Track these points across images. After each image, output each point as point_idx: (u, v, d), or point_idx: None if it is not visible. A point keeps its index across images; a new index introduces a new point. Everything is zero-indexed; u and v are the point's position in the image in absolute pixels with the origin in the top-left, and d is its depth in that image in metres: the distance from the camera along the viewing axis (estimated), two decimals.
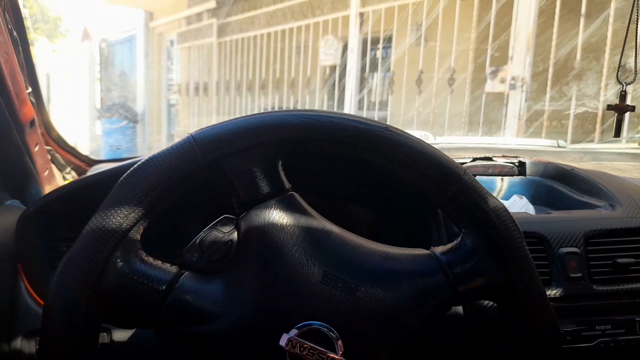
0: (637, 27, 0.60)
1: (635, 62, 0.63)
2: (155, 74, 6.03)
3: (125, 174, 0.43)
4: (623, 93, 0.67)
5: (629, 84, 0.65)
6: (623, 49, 0.64)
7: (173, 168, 0.43)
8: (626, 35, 0.60)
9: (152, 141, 5.61)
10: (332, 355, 0.41)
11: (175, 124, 5.85)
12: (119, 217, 0.42)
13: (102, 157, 0.93)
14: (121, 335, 0.62)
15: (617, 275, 0.71)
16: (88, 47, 5.91)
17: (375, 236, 0.49)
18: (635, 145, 1.26)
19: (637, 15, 0.58)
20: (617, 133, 0.69)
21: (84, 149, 0.92)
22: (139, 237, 0.43)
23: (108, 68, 6.17)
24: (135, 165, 0.44)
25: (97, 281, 0.41)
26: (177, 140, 0.46)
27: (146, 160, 0.44)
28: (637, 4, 0.59)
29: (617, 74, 0.65)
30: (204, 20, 5.29)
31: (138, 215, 0.42)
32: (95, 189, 0.62)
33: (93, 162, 0.90)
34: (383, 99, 3.81)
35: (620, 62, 0.65)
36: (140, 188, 0.42)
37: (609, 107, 0.69)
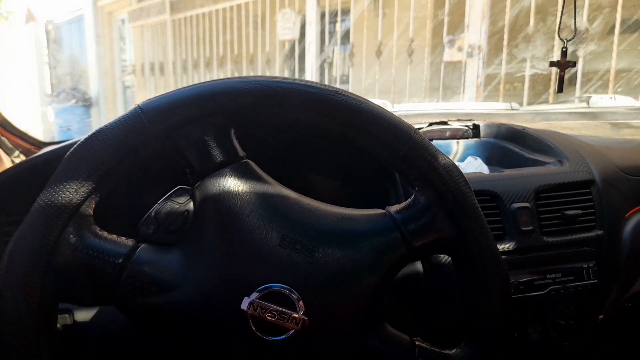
0: None
1: (575, 20, 0.65)
2: (107, 55, 5.79)
3: (72, 148, 0.42)
4: (564, 49, 0.70)
5: (569, 40, 0.68)
6: (562, 9, 0.66)
7: (121, 140, 0.42)
8: None
9: None
10: (294, 315, 0.42)
11: (131, 106, 5.67)
12: (68, 192, 0.41)
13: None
14: (84, 315, 0.61)
15: (565, 226, 0.75)
16: (33, 29, 5.61)
17: (337, 204, 0.50)
18: (584, 104, 1.31)
19: None
20: (560, 88, 0.71)
21: (37, 135, 0.88)
22: (91, 212, 0.43)
23: (56, 51, 5.89)
24: (82, 139, 0.42)
25: (49, 258, 0.40)
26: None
27: (93, 134, 0.43)
28: None
29: (558, 31, 0.67)
30: None
31: (88, 190, 0.42)
32: (42, 169, 0.60)
33: (43, 145, 0.87)
34: (344, 72, 3.80)
35: (560, 21, 0.67)
36: (88, 162, 0.42)
37: (552, 64, 0.72)
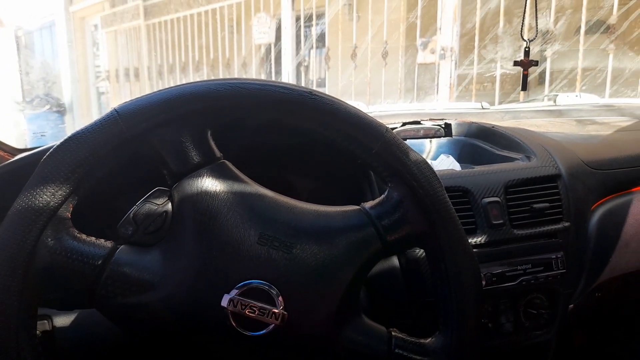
0: None
1: (537, 22, 0.68)
2: (80, 61, 5.69)
3: (49, 152, 0.43)
4: (527, 49, 0.73)
5: (532, 40, 0.71)
6: (525, 9, 0.69)
7: (98, 143, 0.43)
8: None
9: None
10: (274, 310, 0.44)
11: (105, 112, 5.58)
12: (45, 196, 0.41)
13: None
14: (63, 321, 0.61)
15: (534, 219, 0.78)
16: (2, 35, 5.47)
17: (315, 203, 0.51)
18: (552, 102, 1.36)
19: None
20: (524, 87, 0.74)
21: (10, 142, 0.87)
22: (69, 215, 0.43)
23: (28, 57, 5.76)
24: (59, 142, 0.43)
25: (28, 262, 0.41)
26: None
27: (69, 137, 0.43)
28: None
29: (521, 32, 0.70)
30: (129, 2, 5.03)
31: (66, 193, 0.42)
32: (17, 176, 0.59)
33: (17, 152, 0.86)
34: (320, 75, 3.82)
35: (523, 22, 0.70)
36: (65, 165, 0.42)
37: (515, 63, 0.75)
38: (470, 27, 2.73)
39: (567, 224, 0.79)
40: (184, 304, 0.44)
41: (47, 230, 0.41)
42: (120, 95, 5.31)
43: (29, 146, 0.93)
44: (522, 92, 2.10)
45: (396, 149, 0.49)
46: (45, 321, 0.60)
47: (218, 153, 0.48)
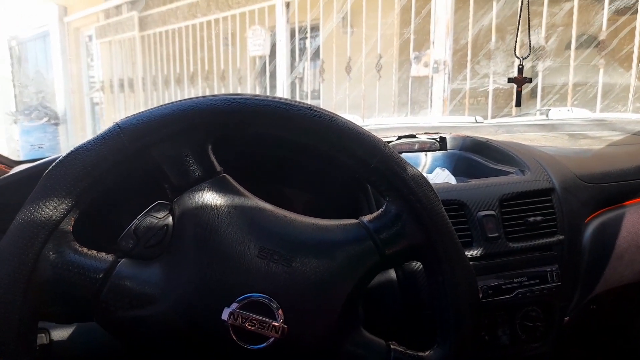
0: (528, 5, 0.67)
1: (529, 39, 0.70)
2: (74, 71, 5.69)
3: (51, 166, 0.43)
4: (520, 67, 0.74)
5: (525, 58, 0.72)
6: (518, 28, 0.71)
7: (100, 157, 0.44)
8: (520, 16, 0.67)
9: (78, 141, 5.30)
10: (273, 323, 0.44)
11: (100, 123, 5.58)
12: (47, 209, 0.41)
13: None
14: (61, 334, 0.61)
15: (529, 232, 0.79)
16: None
17: (312, 216, 0.52)
18: (544, 117, 1.38)
19: None
20: (518, 103, 0.76)
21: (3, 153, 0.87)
22: (70, 229, 0.43)
23: (21, 68, 5.75)
24: (62, 157, 0.43)
25: (29, 275, 0.41)
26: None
27: (72, 151, 0.44)
28: None
29: (515, 50, 0.71)
30: (123, 13, 5.05)
31: (68, 207, 0.42)
32: (18, 188, 0.60)
33: (14, 164, 0.86)
34: (315, 87, 3.85)
35: (516, 40, 0.71)
36: (68, 179, 0.42)
37: (510, 80, 0.77)
38: (464, 43, 2.77)
39: (561, 237, 0.80)
40: (185, 318, 0.44)
41: (49, 244, 0.41)
42: (114, 106, 5.31)
43: (22, 158, 0.93)
44: (514, 107, 2.13)
45: (394, 164, 0.50)
46: (43, 335, 0.60)
47: (218, 167, 0.49)
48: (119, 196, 0.51)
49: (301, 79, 3.74)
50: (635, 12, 2.17)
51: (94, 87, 5.66)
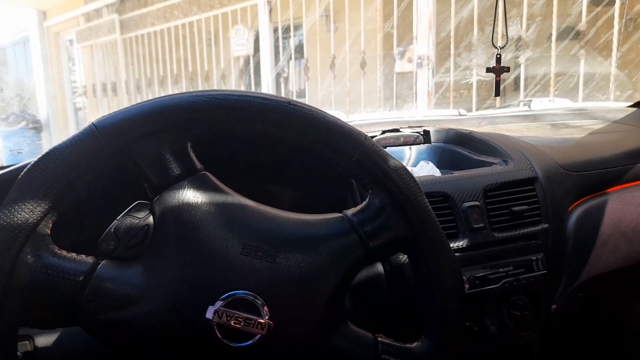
0: None
1: (507, 29, 0.70)
2: (56, 76, 5.61)
3: (26, 168, 0.42)
4: (498, 56, 0.75)
5: (502, 47, 0.73)
6: (495, 18, 0.71)
7: (76, 158, 0.43)
8: (496, 6, 0.68)
9: None
10: (259, 320, 0.44)
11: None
12: (24, 212, 0.41)
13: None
14: (45, 340, 0.59)
15: (513, 222, 0.79)
16: None
17: (297, 212, 0.51)
18: (526, 108, 1.39)
19: None
20: (497, 92, 0.76)
21: None
22: (48, 232, 0.43)
23: (1, 73, 5.65)
24: (37, 158, 0.43)
25: (7, 280, 0.40)
26: None
27: (47, 152, 0.43)
28: None
29: (492, 39, 0.72)
30: (104, 16, 4.99)
31: (44, 209, 0.42)
32: None
33: None
34: (300, 86, 3.84)
35: (494, 30, 0.72)
36: (43, 180, 0.42)
37: (488, 70, 0.77)
38: (445, 35, 2.79)
39: (545, 225, 0.81)
40: (168, 318, 0.43)
41: (27, 247, 0.41)
42: (98, 110, 5.25)
43: (4, 163, 0.91)
44: (497, 98, 2.15)
45: (375, 156, 0.50)
46: (27, 342, 0.59)
47: (199, 165, 0.48)
48: (97, 197, 0.50)
49: (286, 78, 3.74)
50: (612, 2, 2.20)
51: (76, 91, 5.59)
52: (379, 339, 0.50)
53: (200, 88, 4.20)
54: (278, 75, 3.76)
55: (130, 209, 0.47)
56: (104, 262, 0.44)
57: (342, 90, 3.22)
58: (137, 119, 0.45)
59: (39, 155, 0.43)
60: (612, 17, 2.22)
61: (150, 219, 0.46)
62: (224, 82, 4.06)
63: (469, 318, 0.76)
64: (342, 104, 3.19)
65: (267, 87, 3.75)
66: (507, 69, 0.77)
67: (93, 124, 0.44)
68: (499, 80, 0.78)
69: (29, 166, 0.42)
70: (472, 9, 2.56)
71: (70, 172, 0.42)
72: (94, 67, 5.29)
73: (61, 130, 5.53)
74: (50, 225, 0.43)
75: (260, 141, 0.50)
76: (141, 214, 0.46)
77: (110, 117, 0.45)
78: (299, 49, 3.67)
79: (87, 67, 5.42)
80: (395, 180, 0.49)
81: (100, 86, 5.20)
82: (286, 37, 3.73)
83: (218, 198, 0.47)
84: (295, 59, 3.74)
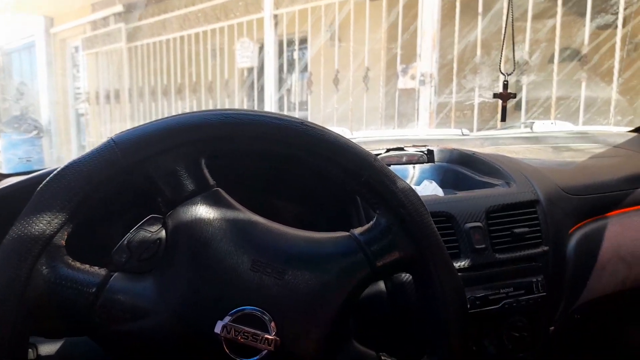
0: (512, 23, 0.69)
1: (514, 56, 0.72)
2: (60, 82, 5.65)
3: (46, 180, 0.43)
4: (505, 82, 0.77)
5: (510, 74, 0.75)
6: (503, 45, 0.73)
7: (95, 172, 0.44)
8: (504, 33, 0.70)
9: (62, 152, 5.26)
10: (266, 336, 0.44)
11: (85, 134, 5.53)
12: (41, 224, 0.42)
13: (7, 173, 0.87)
14: (49, 349, 0.60)
15: (514, 243, 0.80)
16: None
17: (301, 228, 0.53)
18: (528, 130, 1.41)
19: (511, 14, 0.67)
20: (503, 118, 0.78)
21: None
22: (64, 243, 0.44)
23: (5, 78, 5.68)
24: (56, 171, 0.44)
25: (23, 290, 0.41)
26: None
27: (67, 165, 0.44)
28: (511, 4, 0.67)
29: (500, 66, 0.74)
30: (110, 24, 5.04)
31: (61, 221, 0.43)
32: (8, 202, 0.59)
33: (2, 177, 0.85)
34: (303, 99, 3.86)
35: (501, 56, 0.74)
36: (62, 193, 0.43)
37: (495, 95, 0.79)
38: (450, 58, 2.82)
39: (546, 248, 0.82)
40: (178, 331, 0.44)
41: (42, 258, 0.42)
42: (100, 117, 5.27)
43: (7, 171, 0.92)
44: (499, 122, 2.17)
45: (384, 177, 0.51)
46: (31, 350, 0.59)
47: (212, 181, 0.49)
48: (112, 210, 0.51)
49: (289, 91, 3.76)
50: (616, 27, 2.23)
51: (79, 98, 5.62)
52: (382, 357, 0.51)
53: (203, 99, 4.22)
54: (281, 88, 3.79)
55: (144, 222, 0.48)
56: (116, 274, 0.45)
57: (345, 106, 3.25)
58: (154, 136, 0.46)
59: (58, 168, 0.44)
60: (615, 43, 2.26)
61: (163, 233, 0.47)
62: (228, 94, 4.08)
63: (469, 338, 0.77)
64: (345, 121, 3.21)
65: (271, 99, 3.77)
66: (514, 95, 0.79)
67: (112, 139, 0.45)
68: (506, 105, 0.80)
69: (48, 178, 0.43)
70: (476, 32, 2.60)
71: (88, 186, 0.44)
72: (98, 75, 5.32)
73: (62, 136, 5.55)
74: (66, 236, 0.44)
75: (270, 158, 0.52)
76: (154, 228, 0.47)
77: (128, 133, 0.46)
78: (303, 62, 3.71)
79: (91, 74, 5.45)
80: (403, 201, 0.51)
81: (103, 93, 5.23)
82: (290, 50, 3.77)
83: (230, 214, 0.48)
84: (299, 72, 3.77)
